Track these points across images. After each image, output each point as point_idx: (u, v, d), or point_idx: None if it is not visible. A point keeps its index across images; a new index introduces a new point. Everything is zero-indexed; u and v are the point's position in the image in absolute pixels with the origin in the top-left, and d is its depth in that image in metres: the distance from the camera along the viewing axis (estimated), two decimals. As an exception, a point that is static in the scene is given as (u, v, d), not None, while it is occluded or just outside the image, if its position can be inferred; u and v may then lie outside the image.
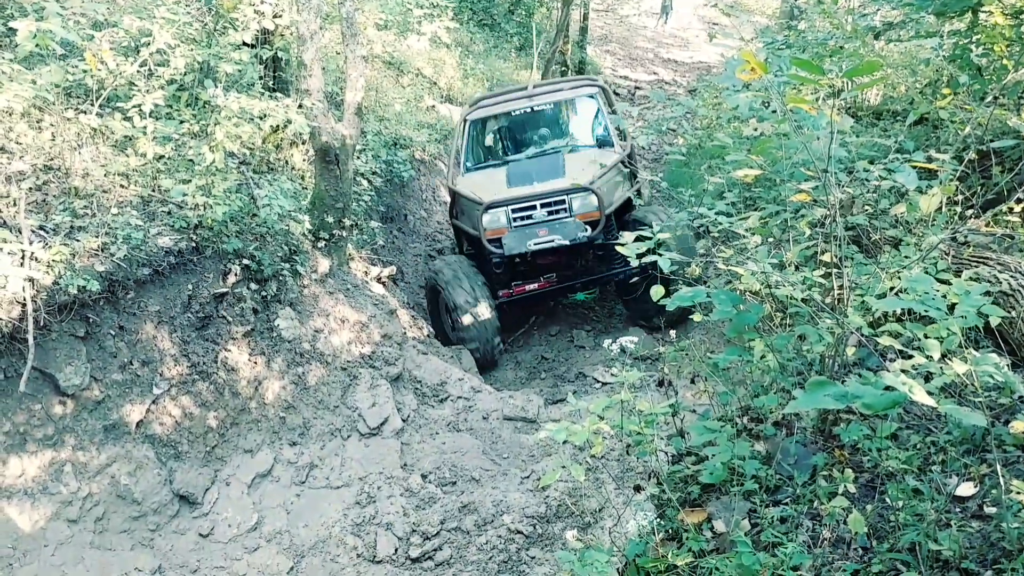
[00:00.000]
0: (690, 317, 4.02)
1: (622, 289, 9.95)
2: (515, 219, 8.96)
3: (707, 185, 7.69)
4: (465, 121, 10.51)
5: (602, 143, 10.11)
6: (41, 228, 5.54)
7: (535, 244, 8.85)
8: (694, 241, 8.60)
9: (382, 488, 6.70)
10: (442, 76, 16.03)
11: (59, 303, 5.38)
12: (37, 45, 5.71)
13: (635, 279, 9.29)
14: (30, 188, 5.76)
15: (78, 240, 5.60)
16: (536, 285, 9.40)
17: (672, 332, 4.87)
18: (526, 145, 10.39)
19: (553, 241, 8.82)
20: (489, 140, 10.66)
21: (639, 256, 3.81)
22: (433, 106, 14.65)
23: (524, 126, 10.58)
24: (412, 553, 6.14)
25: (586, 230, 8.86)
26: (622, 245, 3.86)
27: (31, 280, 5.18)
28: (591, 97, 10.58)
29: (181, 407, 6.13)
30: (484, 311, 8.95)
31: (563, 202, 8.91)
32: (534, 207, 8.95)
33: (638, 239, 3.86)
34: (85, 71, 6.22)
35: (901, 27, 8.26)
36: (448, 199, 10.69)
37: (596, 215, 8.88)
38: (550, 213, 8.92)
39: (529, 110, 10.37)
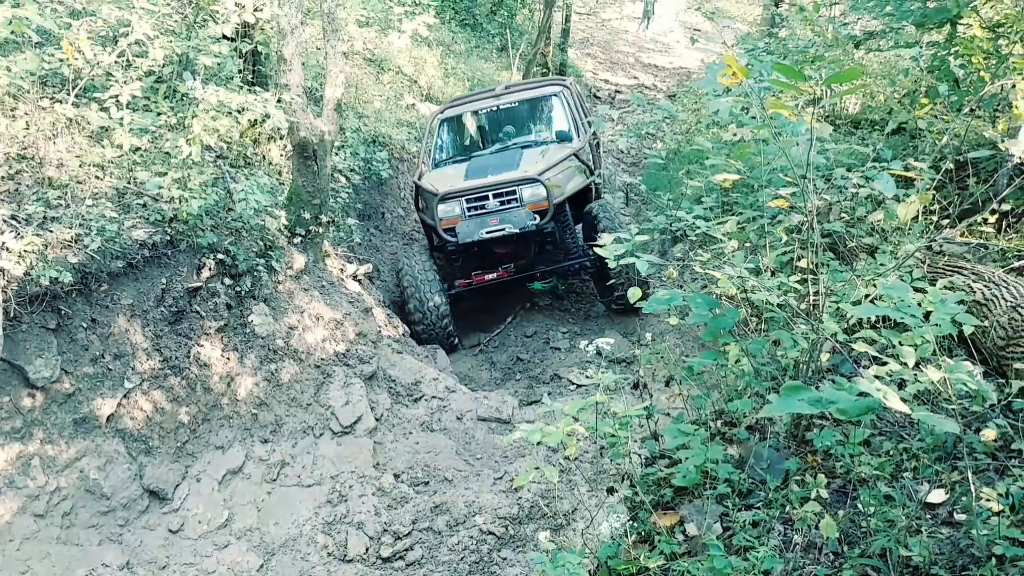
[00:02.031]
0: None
1: (592, 276, 10.52)
2: (469, 209, 9.39)
3: (685, 189, 7.72)
4: (435, 120, 11.09)
5: (562, 138, 10.52)
6: (13, 218, 5.47)
7: (487, 232, 9.29)
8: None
9: (354, 487, 6.67)
10: (423, 75, 16.00)
11: (30, 294, 5.31)
12: (13, 32, 5.64)
13: (613, 282, 9.59)
14: (2, 177, 5.69)
15: (51, 231, 5.53)
16: (495, 275, 9.83)
17: (648, 336, 4.87)
18: (492, 142, 10.95)
19: (504, 229, 9.26)
20: (457, 138, 11.18)
21: (617, 258, 3.82)
22: (413, 104, 14.61)
23: (490, 124, 11.11)
24: (383, 552, 6.11)
25: (535, 219, 9.28)
26: (599, 246, 3.86)
27: (1, 270, 5.11)
28: (555, 95, 11.07)
29: (152, 402, 6.07)
30: (433, 299, 9.38)
31: (514, 192, 9.32)
32: (487, 197, 9.37)
33: (616, 241, 3.86)
34: (62, 60, 6.15)
35: (881, 37, 8.34)
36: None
37: (545, 205, 9.32)
38: (502, 203, 9.34)
39: (495, 108, 10.99)
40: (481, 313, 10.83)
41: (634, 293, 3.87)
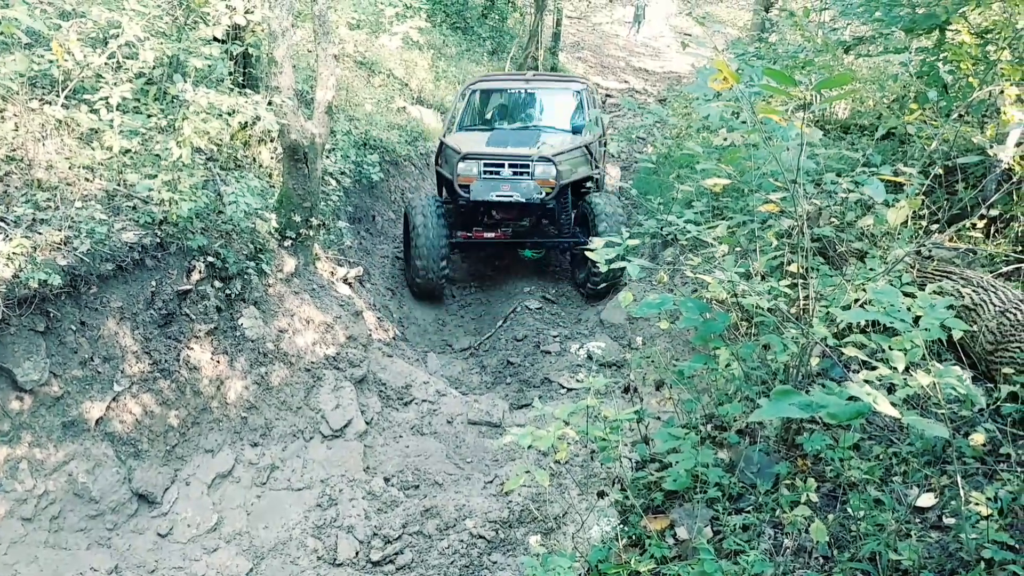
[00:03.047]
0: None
1: (571, 259, 11.37)
2: (485, 171, 10.37)
3: (676, 193, 7.74)
4: (468, 88, 12.31)
5: (575, 130, 11.43)
6: (2, 220, 5.45)
7: (497, 195, 10.32)
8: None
9: (344, 491, 6.65)
10: (414, 78, 15.99)
11: (19, 297, 5.29)
12: (1, 33, 5.62)
13: (602, 284, 10.47)
14: (-9, 179, 5.66)
15: (40, 233, 5.51)
16: (493, 235, 10.84)
17: (639, 340, 4.88)
18: (514, 119, 12.07)
19: (512, 197, 10.29)
20: (484, 109, 12.30)
21: (608, 262, 3.82)
22: (404, 107, 14.61)
23: (515, 104, 12.29)
24: (373, 556, 6.10)
25: (541, 193, 10.30)
26: (591, 249, 3.86)
27: (-10, 272, 5.08)
28: (576, 92, 12.21)
29: (142, 405, 6.05)
30: (439, 240, 10.26)
31: (527, 166, 10.30)
32: (503, 165, 10.36)
33: (607, 245, 3.86)
34: (51, 61, 6.12)
35: (871, 42, 8.37)
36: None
37: (552, 183, 10.34)
38: (515, 173, 10.33)
39: (523, 91, 12.25)
40: (472, 317, 10.83)
41: (625, 298, 3.88)
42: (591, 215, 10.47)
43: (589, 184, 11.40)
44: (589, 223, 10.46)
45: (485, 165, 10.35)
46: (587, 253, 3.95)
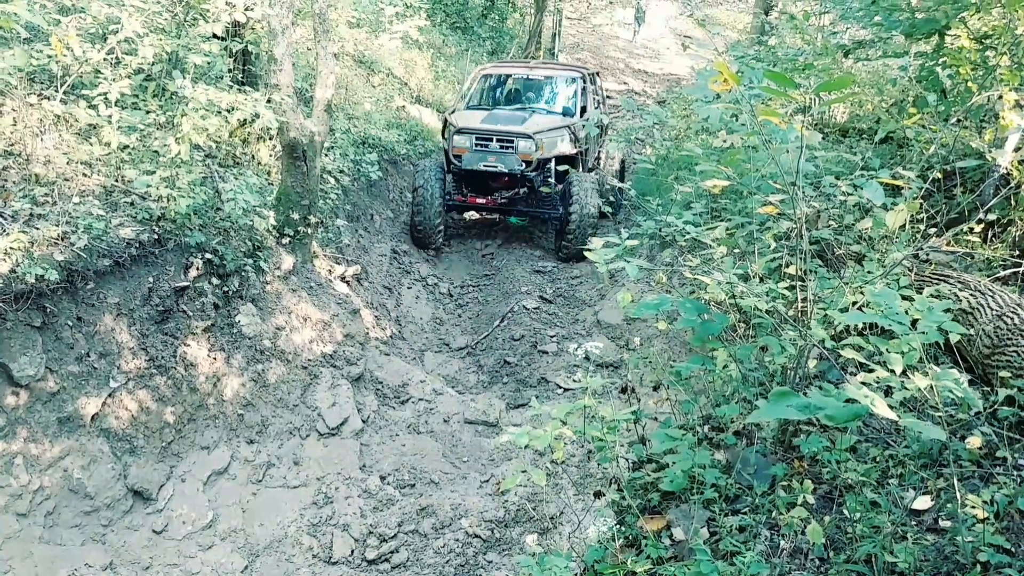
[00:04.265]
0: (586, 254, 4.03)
1: (556, 230, 12.62)
2: (475, 145, 11.88)
3: (675, 195, 7.75)
4: (478, 72, 13.91)
5: (566, 113, 12.95)
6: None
7: (483, 165, 11.84)
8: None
9: (340, 489, 6.65)
10: (413, 77, 15.99)
11: (15, 292, 5.28)
12: (1, 28, 5.61)
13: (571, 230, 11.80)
14: (-11, 173, 5.65)
15: (37, 228, 5.50)
16: (484, 200, 12.42)
17: (637, 340, 4.88)
18: (514, 101, 13.49)
19: (497, 167, 11.81)
20: (490, 91, 13.83)
21: (606, 262, 3.82)
22: (403, 106, 14.61)
23: (517, 87, 13.78)
24: (368, 555, 6.10)
25: (523, 166, 11.72)
26: (589, 249, 3.86)
27: (-13, 267, 5.08)
28: (573, 80, 13.59)
29: (138, 401, 6.04)
30: (435, 201, 11.74)
31: (512, 142, 11.76)
32: (491, 140, 11.85)
33: (606, 245, 3.86)
34: (50, 56, 6.12)
35: (870, 46, 8.38)
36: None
37: (531, 157, 11.73)
38: (501, 147, 11.80)
39: (526, 77, 13.75)
40: (470, 316, 10.82)
41: (624, 298, 3.88)
42: (568, 189, 11.85)
43: (574, 162, 12.58)
44: (566, 197, 11.84)
45: (476, 139, 11.83)
46: (587, 254, 3.95)
